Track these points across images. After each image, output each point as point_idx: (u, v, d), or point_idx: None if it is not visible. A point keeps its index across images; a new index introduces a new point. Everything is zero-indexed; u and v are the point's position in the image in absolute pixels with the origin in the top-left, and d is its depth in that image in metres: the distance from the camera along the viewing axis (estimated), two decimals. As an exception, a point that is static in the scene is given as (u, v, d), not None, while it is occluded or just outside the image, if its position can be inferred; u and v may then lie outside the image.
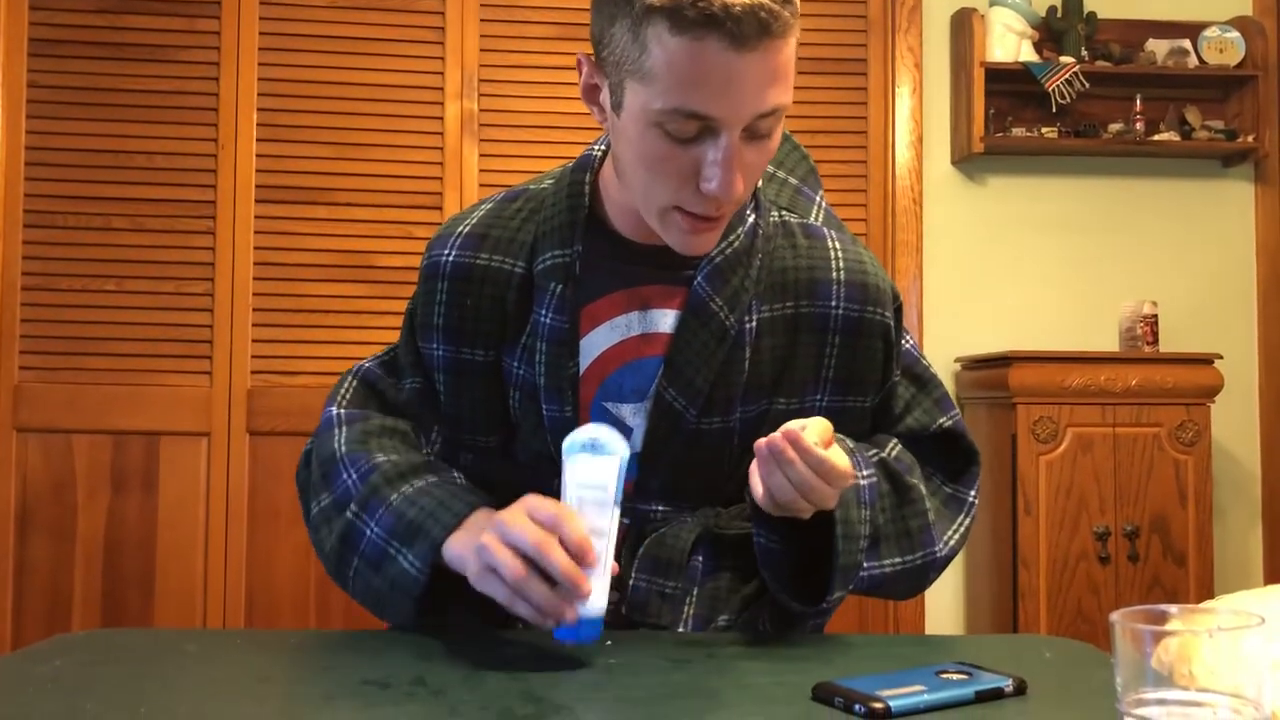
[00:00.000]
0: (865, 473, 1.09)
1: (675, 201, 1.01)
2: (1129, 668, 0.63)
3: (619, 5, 0.96)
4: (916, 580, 1.14)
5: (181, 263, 3.01)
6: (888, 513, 1.11)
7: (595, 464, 0.91)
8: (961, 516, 1.18)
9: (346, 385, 1.22)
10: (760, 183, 1.17)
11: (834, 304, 1.13)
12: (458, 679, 0.87)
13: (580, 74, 1.06)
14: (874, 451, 1.14)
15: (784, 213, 1.17)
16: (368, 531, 1.09)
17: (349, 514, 1.11)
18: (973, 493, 1.19)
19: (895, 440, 1.18)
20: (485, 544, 0.93)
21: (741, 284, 1.11)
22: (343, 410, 1.19)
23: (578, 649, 0.94)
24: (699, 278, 1.10)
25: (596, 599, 0.89)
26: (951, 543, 1.15)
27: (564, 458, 0.93)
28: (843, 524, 1.03)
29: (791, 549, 1.07)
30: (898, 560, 1.11)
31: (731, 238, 1.11)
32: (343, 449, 1.14)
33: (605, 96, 1.03)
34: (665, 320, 1.12)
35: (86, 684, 0.86)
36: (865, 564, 1.09)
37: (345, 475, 1.13)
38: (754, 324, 1.12)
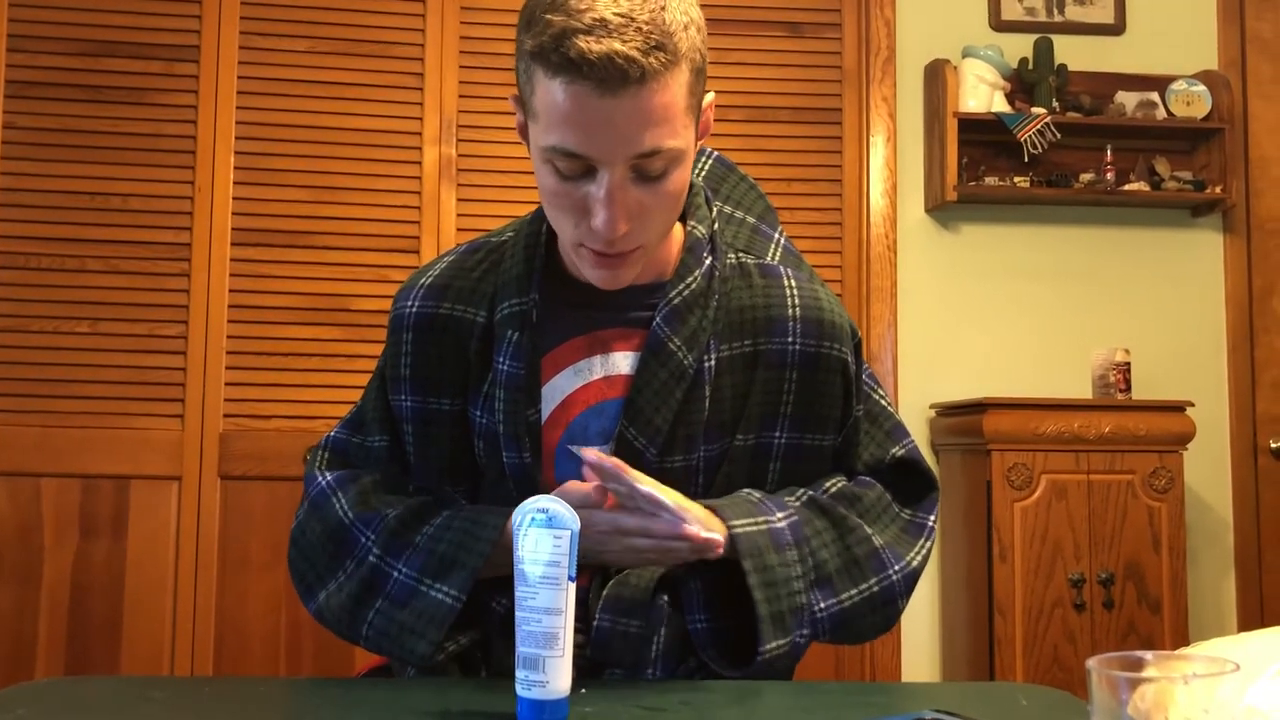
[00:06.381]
0: (778, 515, 1.10)
1: (576, 237, 1.05)
2: (1105, 715, 0.63)
3: (519, 46, 1.02)
4: (883, 610, 1.13)
5: (156, 305, 2.99)
6: (830, 547, 1.12)
7: (550, 539, 0.88)
8: (922, 540, 1.19)
9: (320, 456, 1.23)
10: (719, 225, 1.19)
11: (790, 340, 1.15)
12: (429, 728, 0.85)
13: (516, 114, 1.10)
14: (801, 492, 1.15)
15: (740, 255, 1.19)
16: (395, 574, 1.09)
17: (372, 558, 1.10)
18: (931, 518, 1.21)
19: (839, 477, 1.19)
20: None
21: (699, 324, 1.12)
22: (330, 477, 1.18)
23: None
24: (657, 319, 1.12)
25: (559, 681, 0.87)
26: (914, 564, 1.15)
27: (515, 530, 0.89)
28: (759, 572, 1.05)
29: (726, 621, 1.09)
30: (853, 591, 1.11)
31: (690, 279, 1.13)
32: (350, 514, 1.14)
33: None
34: (626, 362, 1.13)
35: (49, 733, 0.84)
36: (823, 603, 1.09)
37: (362, 537, 1.12)
38: (713, 363, 1.13)
